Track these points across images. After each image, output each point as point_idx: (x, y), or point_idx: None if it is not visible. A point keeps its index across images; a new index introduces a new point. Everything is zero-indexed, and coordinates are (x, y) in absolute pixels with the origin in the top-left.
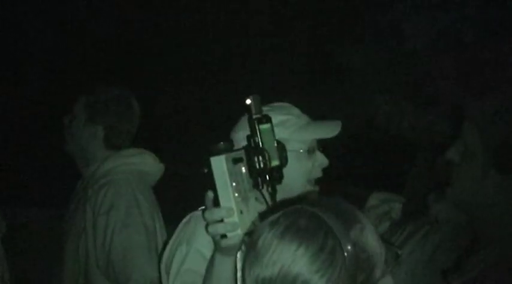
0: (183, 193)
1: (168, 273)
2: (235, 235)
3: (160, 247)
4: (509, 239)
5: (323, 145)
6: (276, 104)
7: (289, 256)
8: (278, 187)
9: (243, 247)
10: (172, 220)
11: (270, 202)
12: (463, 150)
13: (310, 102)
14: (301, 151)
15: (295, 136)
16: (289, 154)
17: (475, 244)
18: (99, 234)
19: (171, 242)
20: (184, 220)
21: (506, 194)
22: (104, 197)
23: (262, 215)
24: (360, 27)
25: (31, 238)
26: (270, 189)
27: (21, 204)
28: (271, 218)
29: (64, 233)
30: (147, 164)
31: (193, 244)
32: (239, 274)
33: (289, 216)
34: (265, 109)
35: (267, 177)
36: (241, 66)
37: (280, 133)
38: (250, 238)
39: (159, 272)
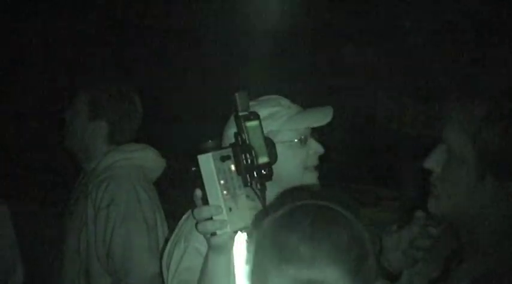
0: (186, 189)
1: (167, 270)
2: (225, 232)
3: (161, 242)
4: (499, 248)
5: (319, 132)
6: (263, 97)
7: (324, 256)
8: (276, 179)
9: (247, 239)
10: (175, 216)
11: (261, 199)
12: (446, 157)
13: (312, 97)
14: (295, 141)
15: (286, 127)
16: (282, 146)
17: (460, 253)
18: (99, 229)
19: (171, 239)
20: (184, 217)
21: (501, 202)
22: (104, 192)
23: (268, 211)
24: (362, 24)
25: (30, 235)
26: (258, 185)
27: (21, 201)
28: (283, 214)
29: (65, 228)
30: (149, 159)
31: (191, 241)
32: (248, 266)
33: (307, 213)
34: (252, 104)
35: (255, 173)
36: (244, 63)
37: (271, 126)
38: (265, 233)
39: (160, 268)
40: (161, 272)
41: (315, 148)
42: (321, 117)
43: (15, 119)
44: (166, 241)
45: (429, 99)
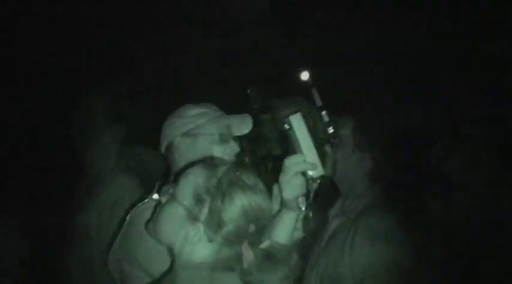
0: None
1: None
2: (316, 172)
3: None
4: None
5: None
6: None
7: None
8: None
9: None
10: None
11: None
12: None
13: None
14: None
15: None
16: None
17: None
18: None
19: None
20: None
21: None
22: None
23: None
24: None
25: (32, 236)
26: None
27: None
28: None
29: (68, 233)
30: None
31: None
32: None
33: None
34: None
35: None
36: (250, 64)
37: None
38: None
39: None
40: None
41: (232, 148)
42: (237, 127)
43: (18, 119)
44: None
45: (436, 101)
